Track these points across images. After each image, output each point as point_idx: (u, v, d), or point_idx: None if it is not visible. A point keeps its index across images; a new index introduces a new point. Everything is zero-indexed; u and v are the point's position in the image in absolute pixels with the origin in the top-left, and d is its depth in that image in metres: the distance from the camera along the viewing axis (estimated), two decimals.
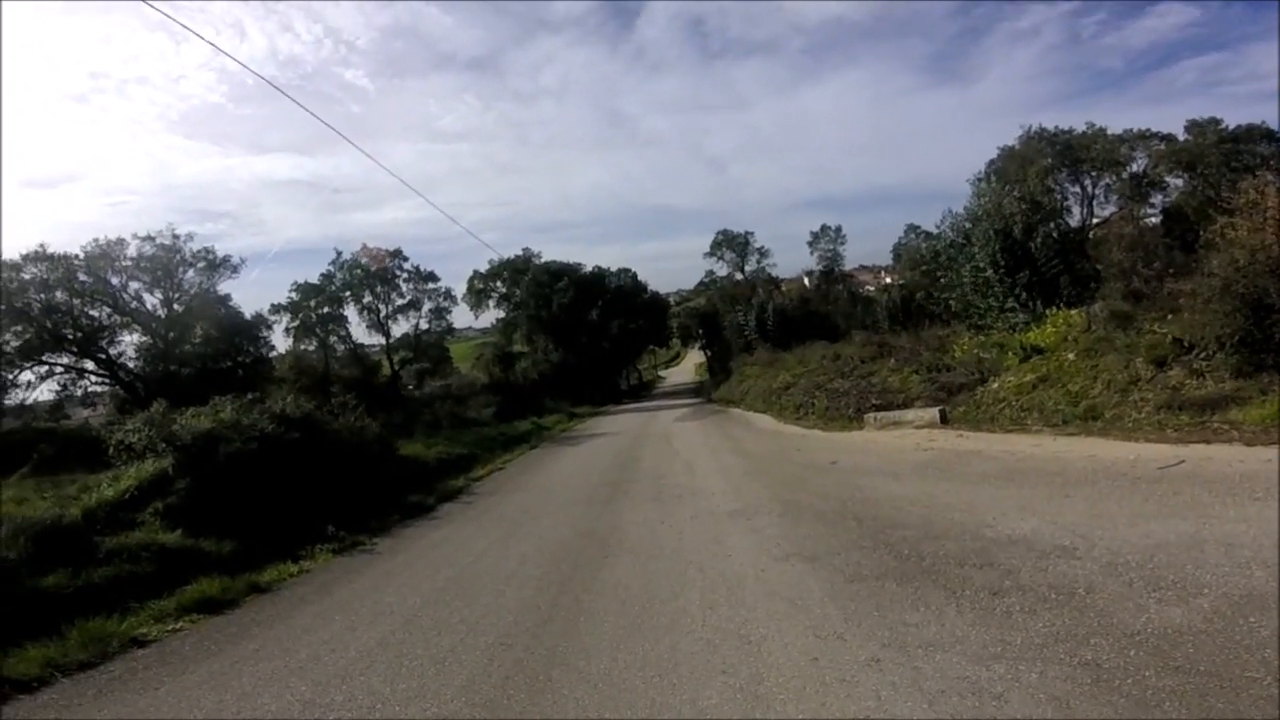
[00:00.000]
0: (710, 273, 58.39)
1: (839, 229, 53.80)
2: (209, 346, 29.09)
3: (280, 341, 36.13)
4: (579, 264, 51.87)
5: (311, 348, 37.96)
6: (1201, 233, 13.67)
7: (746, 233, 56.05)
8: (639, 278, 54.51)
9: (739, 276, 55.91)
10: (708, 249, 56.93)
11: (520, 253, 51.16)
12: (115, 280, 27.70)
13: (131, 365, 28.42)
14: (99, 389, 28.93)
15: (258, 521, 8.30)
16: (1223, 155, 27.96)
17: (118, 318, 27.85)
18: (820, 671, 3.55)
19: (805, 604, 4.57)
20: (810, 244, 54.24)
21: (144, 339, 28.53)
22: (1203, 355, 9.32)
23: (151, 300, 28.83)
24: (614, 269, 53.70)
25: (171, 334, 28.61)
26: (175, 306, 28.94)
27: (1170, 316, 10.38)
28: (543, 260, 50.89)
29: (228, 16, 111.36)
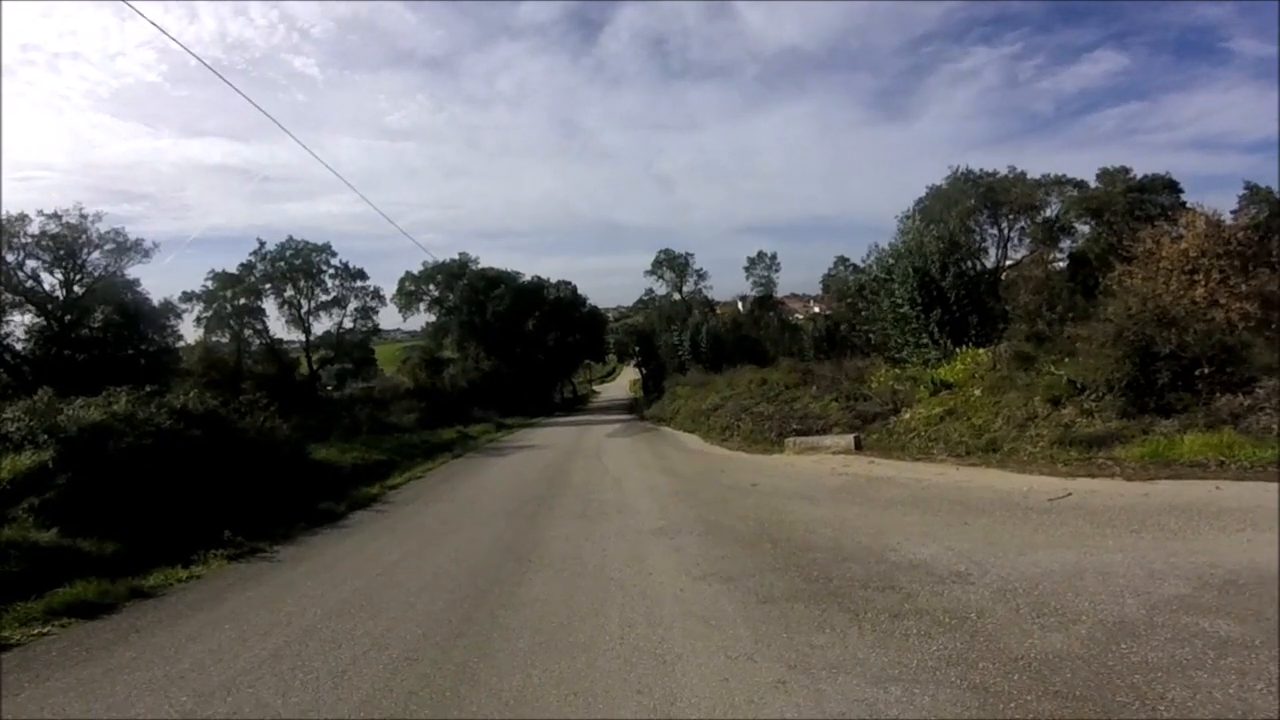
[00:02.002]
0: (650, 291, 59.12)
1: (774, 256, 55.38)
2: (109, 332, 27.08)
3: (191, 332, 34.10)
4: (517, 272, 51.24)
5: (224, 340, 35.89)
6: (1102, 279, 14.74)
7: (687, 254, 56.98)
8: (579, 291, 54.31)
9: (677, 297, 56.69)
10: (649, 267, 57.59)
11: (457, 256, 50.16)
12: (11, 257, 25.56)
13: (19, 347, 26.13)
14: None
15: (146, 522, 7.73)
16: (1128, 204, 30.09)
17: (9, 296, 25.60)
18: (730, 693, 3.60)
19: (719, 624, 4.63)
20: (747, 269, 55.60)
21: (36, 320, 26.35)
22: (1093, 396, 10.11)
23: (50, 280, 26.75)
24: (554, 280, 53.32)
25: (68, 317, 26.50)
26: (75, 288, 26.82)
27: (1067, 359, 11.19)
28: (480, 266, 50.01)
29: None
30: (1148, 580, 4.59)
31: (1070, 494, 7.43)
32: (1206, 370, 9.21)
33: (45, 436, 8.47)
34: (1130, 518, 6.24)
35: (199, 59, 39.63)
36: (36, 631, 5.41)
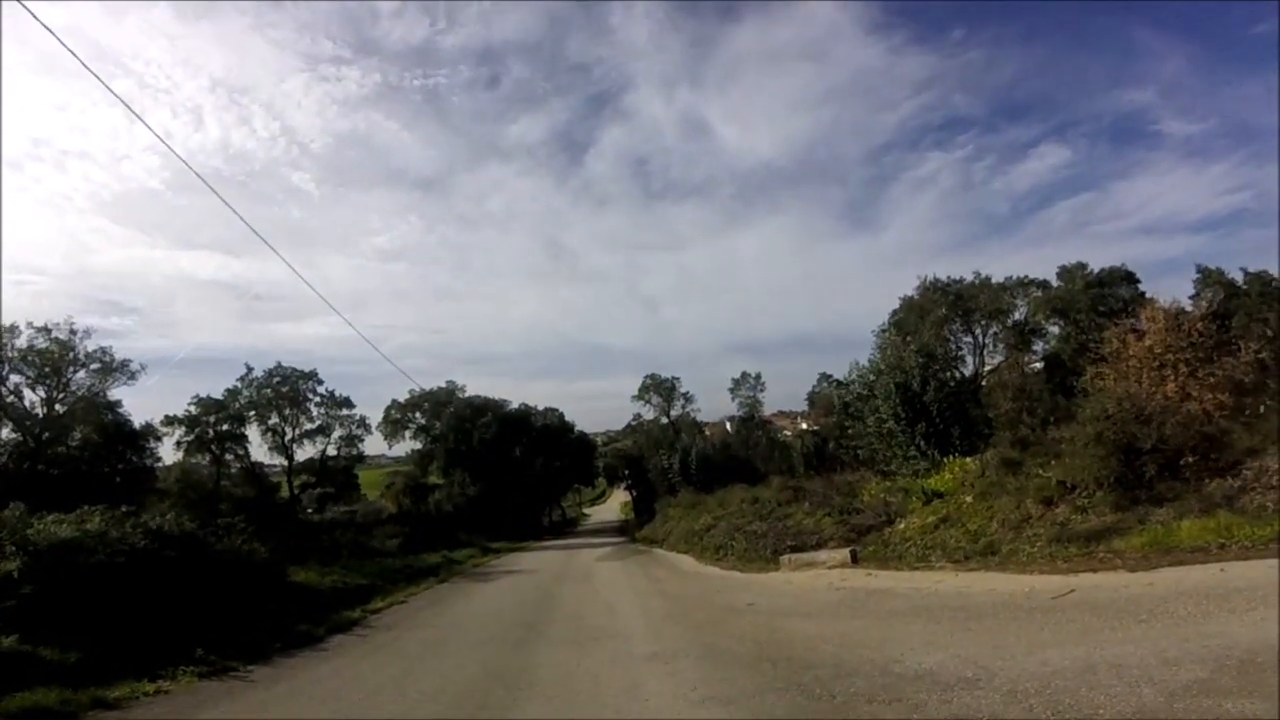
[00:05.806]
0: (638, 415, 59.38)
1: (759, 376, 56.17)
2: (87, 451, 26.74)
3: (170, 453, 33.55)
4: (504, 400, 51.32)
5: (204, 462, 35.24)
6: (1077, 380, 14.91)
7: (674, 378, 57.76)
8: (566, 417, 54.17)
9: (665, 420, 56.90)
10: (636, 392, 58.26)
11: (444, 384, 50.51)
12: None
13: None
14: None
15: (115, 635, 7.53)
16: (1090, 300, 30.28)
17: None
18: None
19: None
20: (732, 390, 56.16)
21: (14, 435, 26.02)
22: (1084, 494, 10.12)
23: (32, 397, 26.59)
24: (541, 407, 53.15)
25: (47, 434, 26.20)
26: (57, 407, 26.65)
27: (1054, 461, 11.27)
28: (466, 394, 50.19)
29: (189, 102, 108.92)
30: (1163, 668, 4.46)
31: (1074, 590, 7.27)
32: (1191, 459, 9.32)
33: (13, 549, 8.31)
34: (1138, 608, 6.11)
35: (197, 174, 40.89)
36: None
